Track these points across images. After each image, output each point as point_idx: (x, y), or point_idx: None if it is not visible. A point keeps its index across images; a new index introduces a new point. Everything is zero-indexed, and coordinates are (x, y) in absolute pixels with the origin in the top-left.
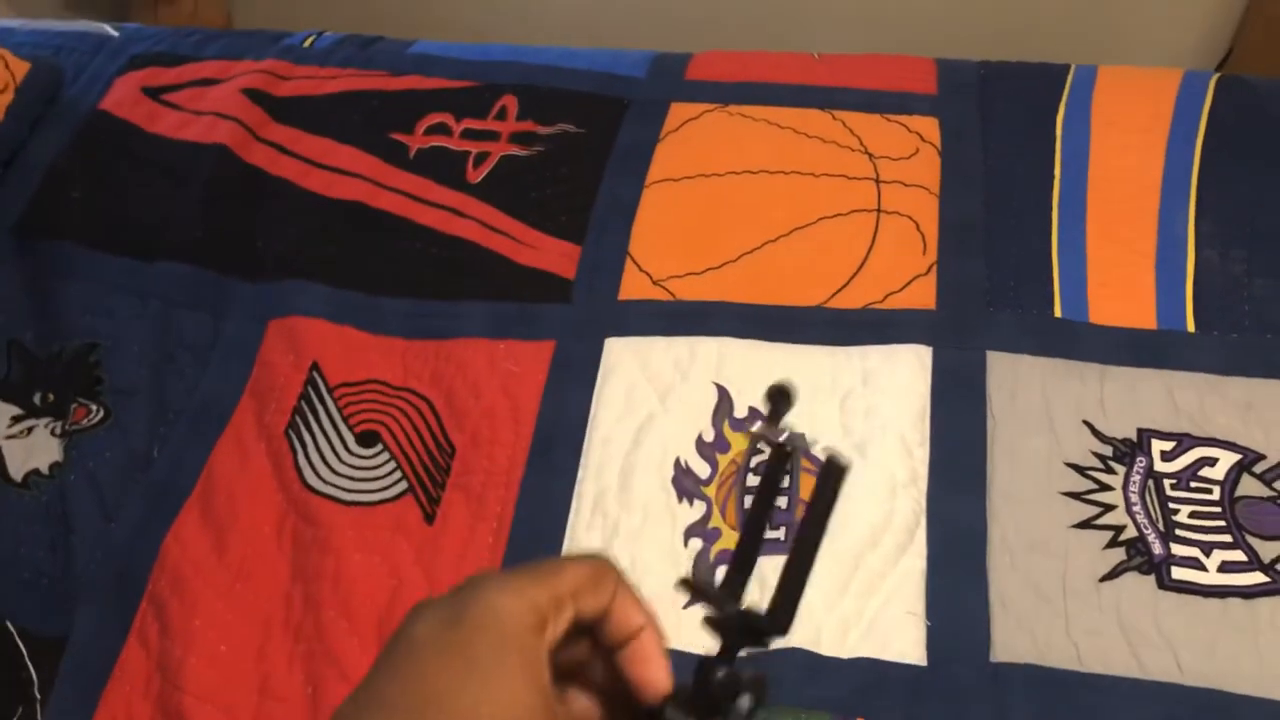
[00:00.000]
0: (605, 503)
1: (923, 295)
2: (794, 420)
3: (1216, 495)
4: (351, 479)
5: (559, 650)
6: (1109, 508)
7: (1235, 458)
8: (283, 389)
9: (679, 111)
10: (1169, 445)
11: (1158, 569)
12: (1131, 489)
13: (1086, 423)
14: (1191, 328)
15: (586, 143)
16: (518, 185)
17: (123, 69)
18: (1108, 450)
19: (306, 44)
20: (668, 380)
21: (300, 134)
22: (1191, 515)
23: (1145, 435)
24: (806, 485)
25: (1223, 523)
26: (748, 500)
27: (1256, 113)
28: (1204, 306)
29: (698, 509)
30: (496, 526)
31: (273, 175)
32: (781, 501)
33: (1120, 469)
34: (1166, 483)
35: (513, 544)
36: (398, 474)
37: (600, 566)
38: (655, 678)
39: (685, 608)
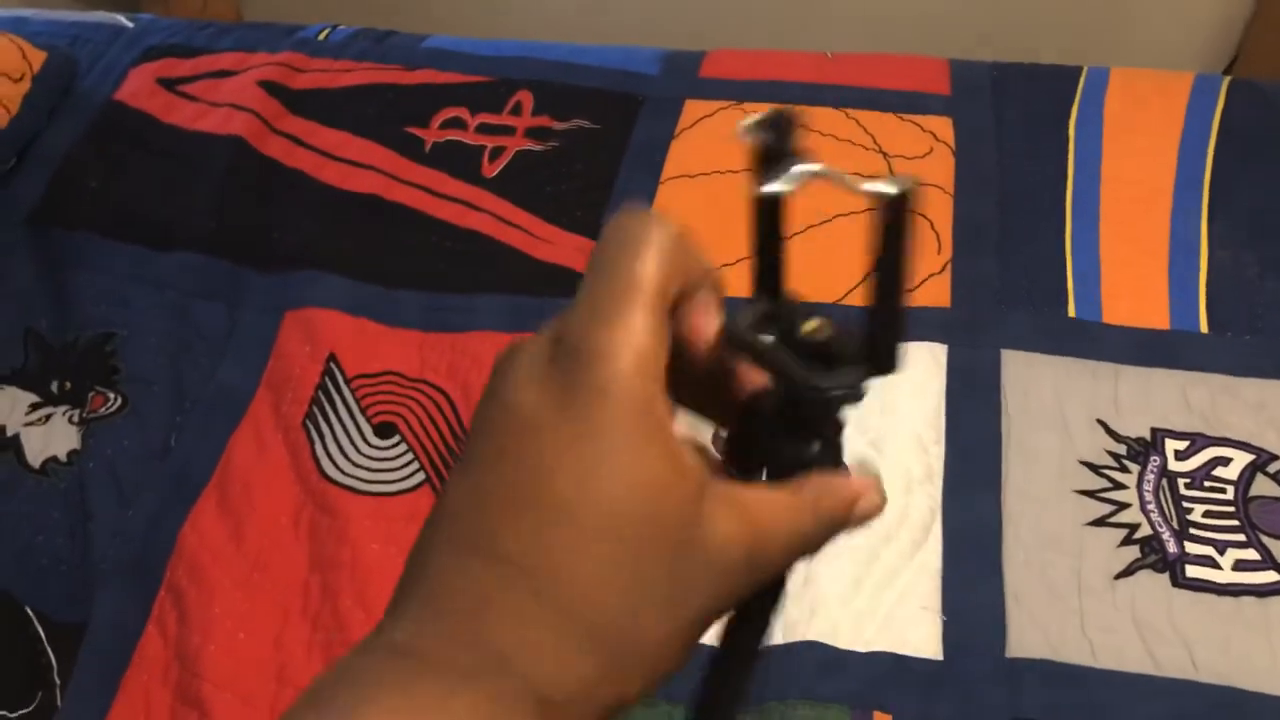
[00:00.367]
0: None
1: (938, 294)
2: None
3: (1230, 495)
4: (369, 469)
5: None
6: (1123, 506)
7: (1249, 458)
8: (299, 380)
9: (694, 108)
10: (1183, 445)
11: (1172, 567)
12: (1146, 487)
13: (1100, 421)
14: (1205, 328)
15: (602, 138)
16: (533, 180)
17: (137, 60)
18: (1122, 449)
19: (321, 37)
20: None
21: (316, 126)
22: (1205, 514)
23: (1159, 434)
24: None
25: (1236, 522)
26: None
27: (1268, 116)
28: (1217, 307)
29: None
30: None
31: (289, 167)
32: None
33: (1134, 468)
34: (1180, 482)
35: None
36: (415, 464)
37: (671, 240)
38: (707, 325)
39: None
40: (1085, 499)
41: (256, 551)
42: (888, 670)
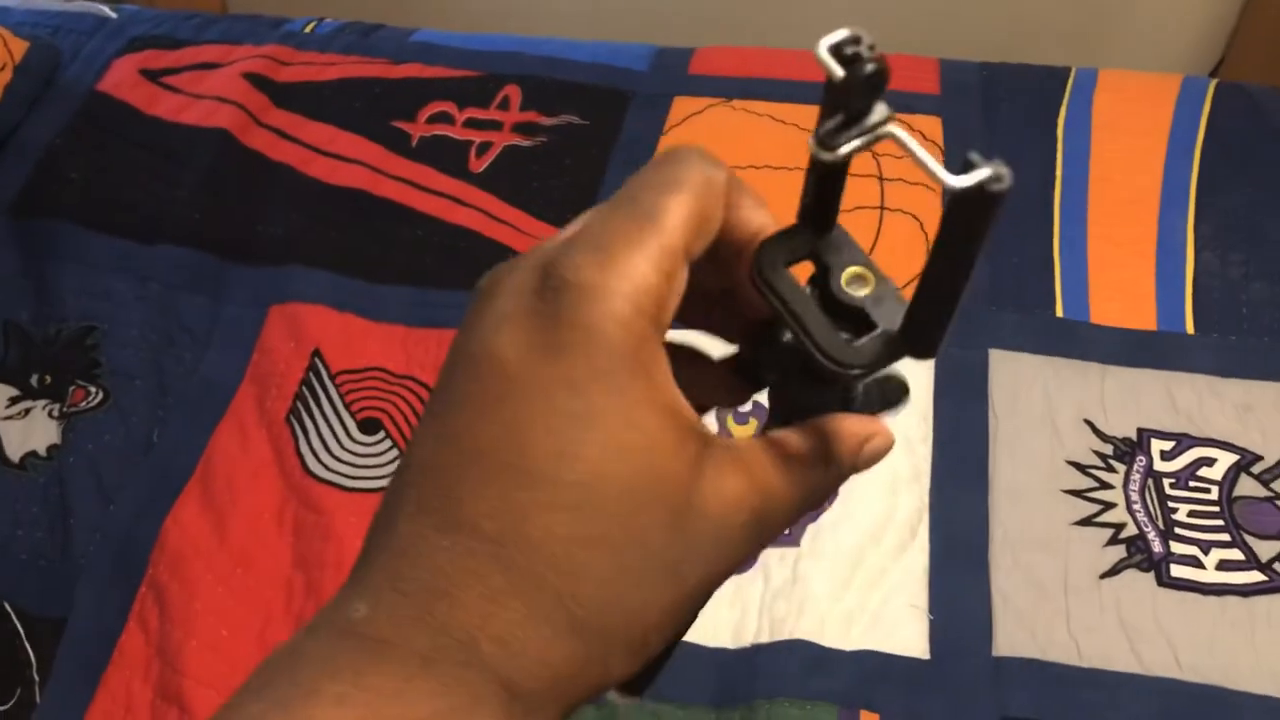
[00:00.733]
0: None
1: None
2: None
3: (1215, 495)
4: (353, 465)
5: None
6: (1109, 506)
7: (1233, 458)
8: (284, 375)
9: (683, 105)
10: (1168, 445)
11: (1157, 567)
12: (1132, 487)
13: (1087, 421)
14: (1191, 329)
15: (590, 134)
16: (521, 175)
17: (121, 51)
18: (1108, 449)
19: (307, 30)
20: None
21: (302, 120)
22: (1190, 514)
23: (1145, 435)
24: None
25: (1221, 522)
26: None
27: (1254, 119)
28: (1203, 308)
29: None
30: None
31: (274, 160)
32: None
33: (1121, 467)
34: (1166, 482)
35: None
36: (400, 461)
37: (704, 185)
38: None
39: None
40: (1072, 498)
41: (239, 548)
42: (875, 669)
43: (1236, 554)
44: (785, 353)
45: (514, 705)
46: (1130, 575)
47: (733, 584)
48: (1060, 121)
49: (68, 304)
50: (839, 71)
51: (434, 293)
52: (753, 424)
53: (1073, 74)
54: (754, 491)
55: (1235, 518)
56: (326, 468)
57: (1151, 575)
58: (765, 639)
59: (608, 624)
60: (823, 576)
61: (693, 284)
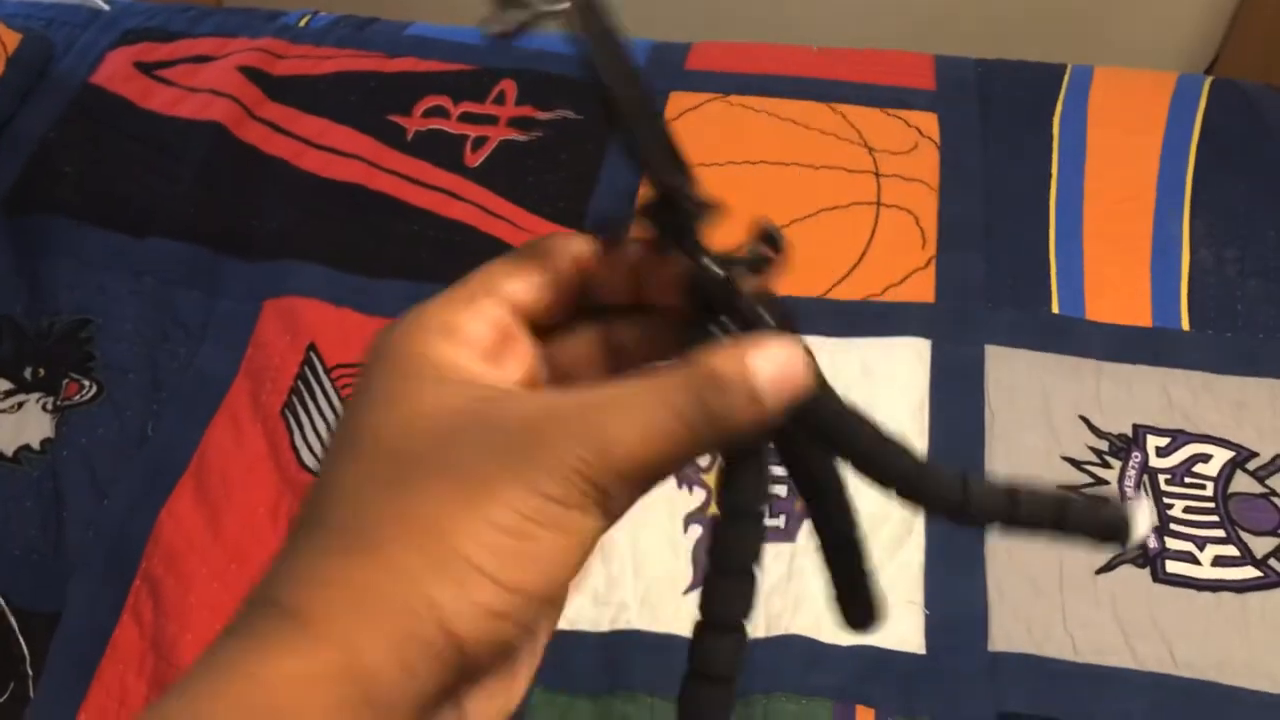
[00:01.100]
0: None
1: (921, 289)
2: None
3: (1210, 491)
4: None
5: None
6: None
7: (1228, 455)
8: (278, 369)
9: (679, 101)
10: (1164, 441)
11: (1152, 562)
12: (1127, 484)
13: (1083, 418)
14: (1186, 326)
15: (586, 129)
16: (516, 170)
17: (114, 43)
18: (1104, 445)
19: (302, 23)
20: None
21: (296, 113)
22: (1186, 510)
23: (1141, 431)
24: None
25: (1216, 518)
26: None
27: (1249, 116)
28: (1198, 305)
29: (697, 496)
30: None
31: (268, 154)
32: (781, 490)
33: (1116, 464)
34: (1161, 478)
35: None
36: None
37: (535, 242)
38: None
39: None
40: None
41: (234, 542)
42: (871, 664)
43: (1231, 550)
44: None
45: (313, 634)
46: (1126, 571)
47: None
48: (1056, 118)
49: (61, 297)
50: None
51: (429, 287)
52: None
53: (1068, 71)
54: (567, 400)
55: (1230, 514)
56: (321, 462)
57: (1147, 571)
58: (761, 634)
59: (384, 536)
60: (819, 571)
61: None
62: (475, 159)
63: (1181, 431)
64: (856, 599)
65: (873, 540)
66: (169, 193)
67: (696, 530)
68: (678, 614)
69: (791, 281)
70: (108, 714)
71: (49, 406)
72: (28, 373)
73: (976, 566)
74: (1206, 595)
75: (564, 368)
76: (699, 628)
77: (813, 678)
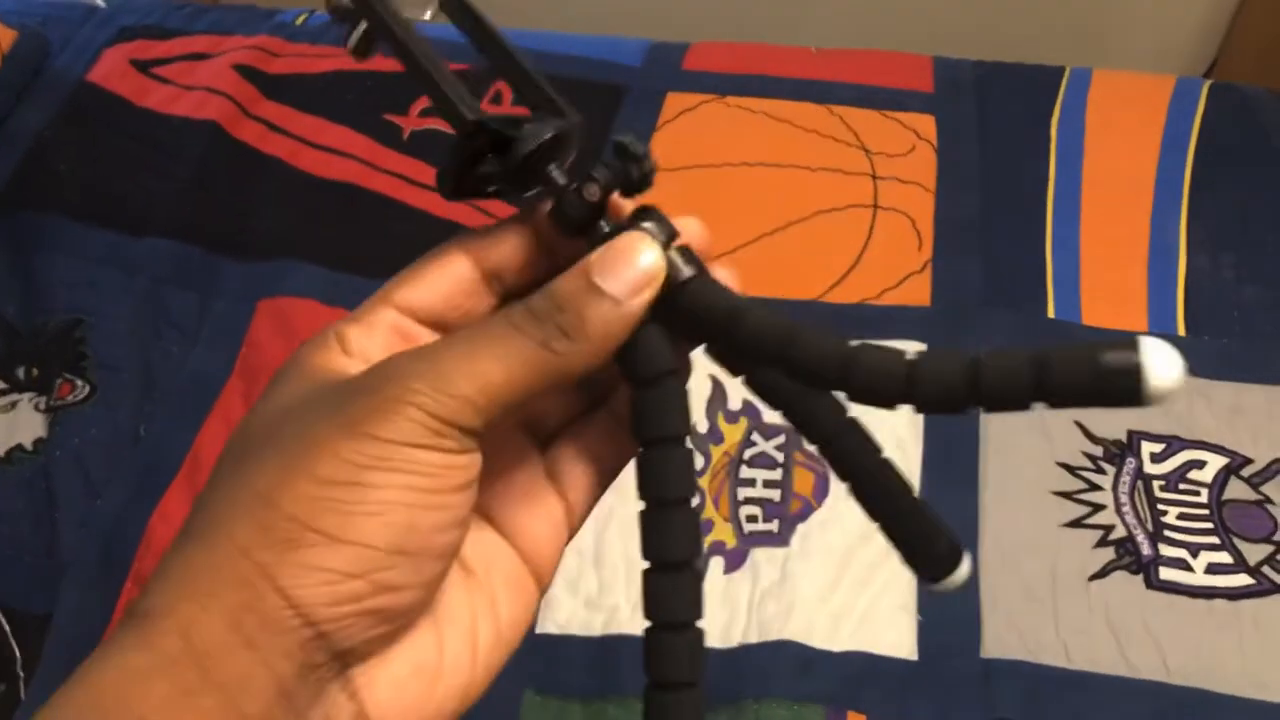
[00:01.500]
0: None
1: (918, 292)
2: None
3: (1204, 498)
4: None
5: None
6: (1099, 507)
7: (1223, 461)
8: (272, 370)
9: (676, 101)
10: (1158, 447)
11: (1146, 569)
12: (1121, 489)
13: (1078, 423)
14: (1182, 331)
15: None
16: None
17: (111, 40)
18: (1098, 451)
19: (298, 21)
20: None
21: (292, 112)
22: (1180, 517)
23: (1135, 437)
24: None
25: (1210, 525)
26: (740, 492)
27: (1247, 120)
28: (1194, 311)
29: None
30: None
31: (264, 153)
32: (775, 494)
33: (1110, 469)
34: (1155, 484)
35: None
36: None
37: (431, 251)
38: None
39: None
40: (1062, 500)
41: None
42: (863, 670)
43: (1225, 557)
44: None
45: (147, 627)
46: (1119, 577)
47: (721, 583)
48: (1054, 121)
49: (55, 296)
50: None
51: None
52: (743, 422)
53: (1067, 73)
54: (395, 352)
55: (1224, 521)
56: None
57: (1140, 578)
58: (754, 639)
59: (216, 515)
60: (812, 577)
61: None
62: None
63: (1176, 438)
64: (924, 543)
65: (866, 545)
66: (164, 191)
67: None
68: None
69: (788, 284)
70: None
71: (42, 406)
72: (20, 372)
73: (970, 571)
74: (1200, 603)
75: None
76: (648, 631)
77: (805, 683)
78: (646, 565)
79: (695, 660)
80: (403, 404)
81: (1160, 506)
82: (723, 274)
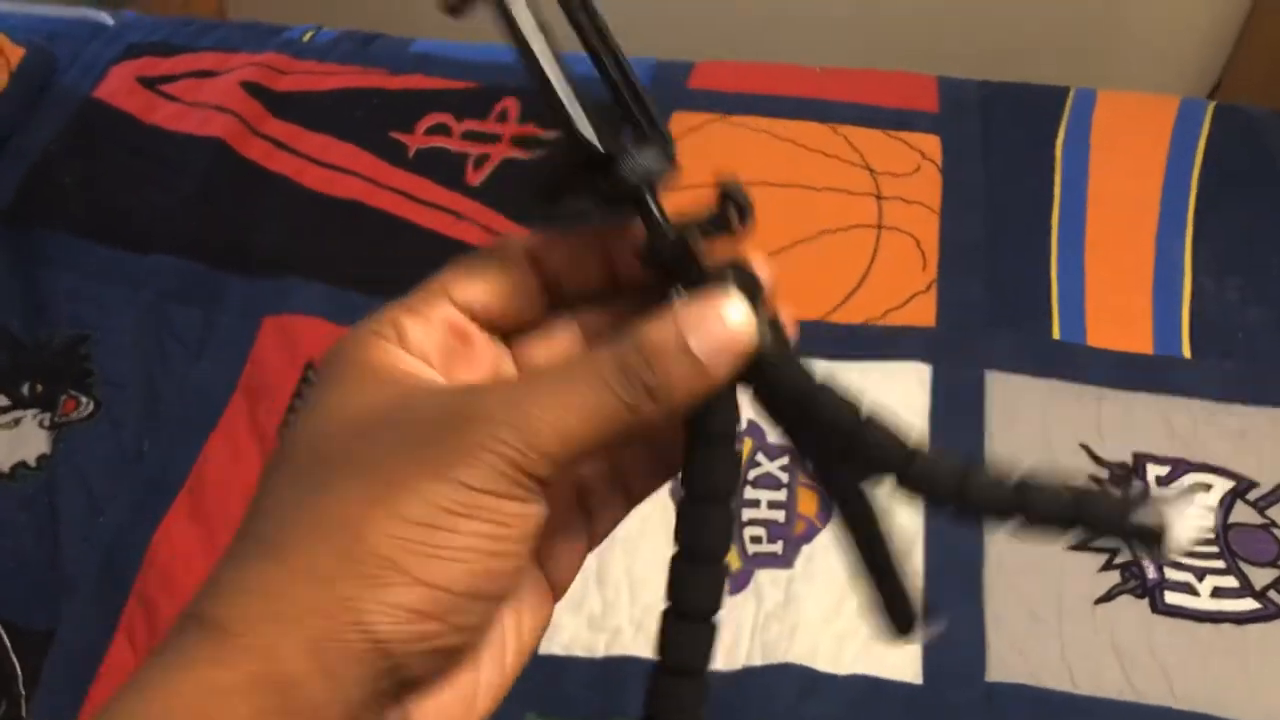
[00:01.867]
0: None
1: (923, 313)
2: None
3: (1210, 521)
4: None
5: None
6: None
7: (1229, 484)
8: (277, 387)
9: (681, 120)
10: (1164, 470)
11: (1151, 593)
12: None
13: (1083, 445)
14: (1188, 354)
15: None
16: (518, 189)
17: (118, 57)
18: (1104, 473)
19: (306, 39)
20: None
21: (299, 130)
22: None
23: (1141, 459)
24: None
25: (1216, 549)
26: (745, 513)
27: (1253, 142)
28: (1200, 333)
29: None
30: None
31: (270, 170)
32: (779, 515)
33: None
34: None
35: None
36: None
37: (492, 245)
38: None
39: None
40: None
41: None
42: (867, 693)
43: (1231, 581)
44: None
45: (230, 642)
46: (1124, 601)
47: (725, 606)
48: (1059, 141)
49: (60, 312)
50: None
51: None
52: (748, 443)
53: (1071, 94)
54: (482, 389)
55: (1230, 545)
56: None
57: (1146, 602)
58: (757, 661)
59: (299, 537)
60: (816, 598)
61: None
62: (477, 177)
63: (1182, 460)
64: (895, 604)
65: None
66: (170, 207)
67: None
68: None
69: (792, 303)
70: None
71: (46, 422)
72: (25, 388)
73: (974, 594)
74: (1206, 627)
75: (538, 363)
76: (666, 617)
77: (808, 706)
78: (667, 608)
79: (708, 651)
80: (488, 452)
81: None
82: (784, 313)
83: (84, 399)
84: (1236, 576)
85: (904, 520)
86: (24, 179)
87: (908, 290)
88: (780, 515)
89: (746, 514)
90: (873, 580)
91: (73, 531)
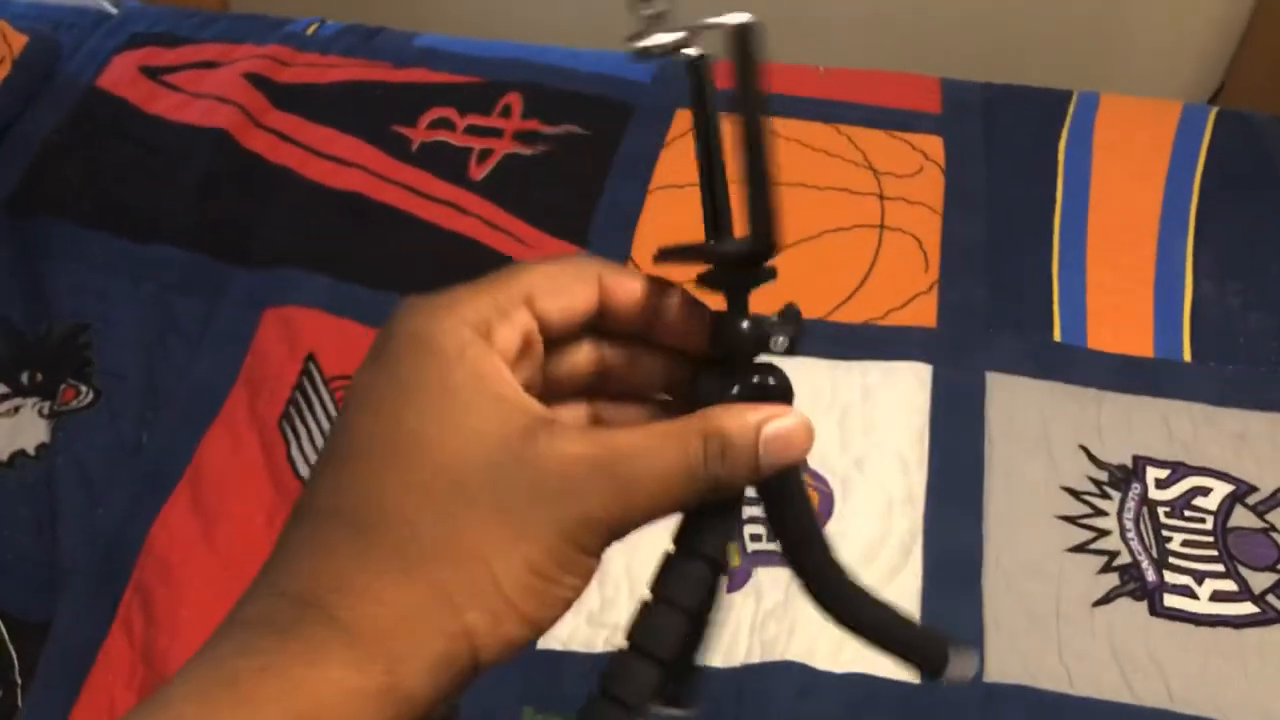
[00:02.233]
0: None
1: (924, 313)
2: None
3: (1209, 525)
4: None
5: (552, 361)
6: (1104, 533)
7: (1228, 488)
8: (277, 379)
9: (685, 119)
10: (1164, 473)
11: (1150, 596)
12: (1126, 515)
13: (1083, 447)
14: (1188, 357)
15: (591, 145)
16: (520, 184)
17: (121, 47)
18: (1103, 476)
19: (309, 31)
20: None
21: (301, 122)
22: (1184, 544)
23: (1140, 462)
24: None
25: (1215, 552)
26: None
27: (1255, 147)
28: (1201, 337)
29: None
30: None
31: (272, 162)
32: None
33: (1115, 495)
34: (1161, 510)
35: None
36: None
37: (572, 263)
38: (684, 333)
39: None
40: (1066, 525)
41: (228, 553)
42: (865, 692)
43: (1230, 585)
44: (702, 363)
45: (362, 649)
46: (1123, 604)
47: (724, 603)
48: (1061, 144)
49: (60, 301)
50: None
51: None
52: None
53: (1075, 97)
54: (598, 447)
55: (1230, 548)
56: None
57: (1144, 604)
58: (756, 659)
59: (438, 560)
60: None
61: (610, 361)
62: (480, 172)
63: (1182, 464)
64: (915, 649)
65: (869, 566)
66: (172, 198)
67: None
68: None
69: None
70: None
71: (45, 412)
72: (25, 377)
73: (973, 596)
74: (1205, 630)
75: (555, 377)
76: (623, 651)
77: (806, 705)
78: (628, 645)
79: (649, 690)
80: (597, 520)
81: (1165, 533)
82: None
83: (83, 388)
84: (1235, 580)
85: (903, 523)
86: (27, 169)
87: (909, 290)
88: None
89: (746, 512)
90: (888, 638)
91: (71, 522)
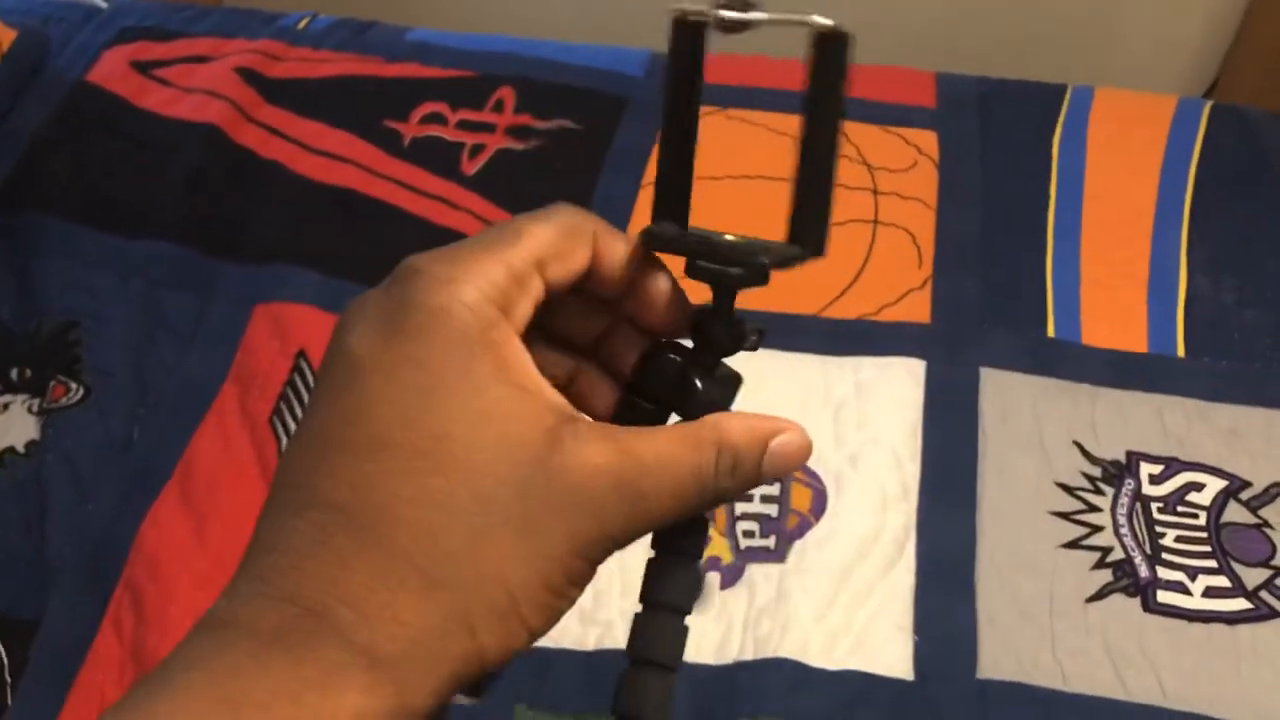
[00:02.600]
0: None
1: (917, 309)
2: None
3: (1203, 520)
4: None
5: (547, 323)
6: (1097, 529)
7: (1222, 484)
8: (268, 376)
9: None
10: (1157, 469)
11: (1143, 591)
12: (1120, 511)
13: (1077, 443)
14: (1182, 353)
15: (584, 140)
16: (513, 179)
17: (111, 41)
18: (1097, 471)
19: (301, 25)
20: None
21: (292, 117)
22: (1178, 539)
23: (1134, 458)
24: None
25: (1208, 548)
26: (738, 507)
27: (1250, 142)
28: (1194, 332)
29: None
30: None
31: (263, 157)
32: (772, 510)
33: (1109, 490)
34: (1154, 506)
35: None
36: None
37: (570, 222)
38: (665, 322)
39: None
40: (1060, 521)
41: (218, 551)
42: (858, 689)
43: (1223, 581)
44: (685, 358)
45: (378, 672)
46: (1117, 600)
47: (717, 599)
48: (1056, 139)
49: (50, 298)
50: None
51: None
52: None
53: (1069, 92)
54: (618, 462)
55: (1223, 544)
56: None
57: (1138, 600)
58: (749, 656)
59: (460, 580)
60: (808, 594)
61: (581, 324)
62: (472, 167)
63: (1175, 459)
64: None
65: (863, 563)
66: (162, 193)
67: None
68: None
69: (787, 298)
70: None
71: (35, 408)
72: (14, 374)
73: (967, 592)
74: (1198, 627)
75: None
76: (636, 665)
77: (799, 701)
78: (642, 660)
79: (669, 696)
80: (609, 537)
81: (1158, 529)
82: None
83: (73, 385)
84: (1228, 576)
85: (896, 518)
86: (15, 164)
87: (903, 286)
88: (773, 510)
89: (739, 508)
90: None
91: (61, 519)
